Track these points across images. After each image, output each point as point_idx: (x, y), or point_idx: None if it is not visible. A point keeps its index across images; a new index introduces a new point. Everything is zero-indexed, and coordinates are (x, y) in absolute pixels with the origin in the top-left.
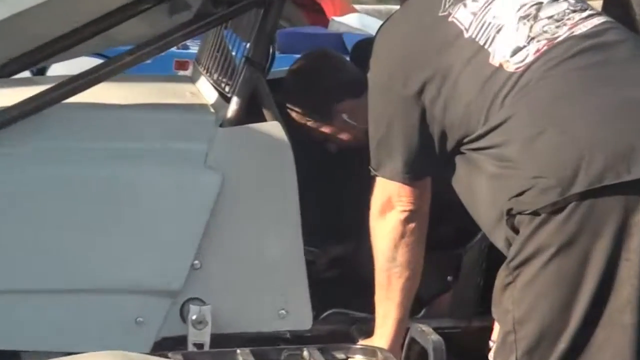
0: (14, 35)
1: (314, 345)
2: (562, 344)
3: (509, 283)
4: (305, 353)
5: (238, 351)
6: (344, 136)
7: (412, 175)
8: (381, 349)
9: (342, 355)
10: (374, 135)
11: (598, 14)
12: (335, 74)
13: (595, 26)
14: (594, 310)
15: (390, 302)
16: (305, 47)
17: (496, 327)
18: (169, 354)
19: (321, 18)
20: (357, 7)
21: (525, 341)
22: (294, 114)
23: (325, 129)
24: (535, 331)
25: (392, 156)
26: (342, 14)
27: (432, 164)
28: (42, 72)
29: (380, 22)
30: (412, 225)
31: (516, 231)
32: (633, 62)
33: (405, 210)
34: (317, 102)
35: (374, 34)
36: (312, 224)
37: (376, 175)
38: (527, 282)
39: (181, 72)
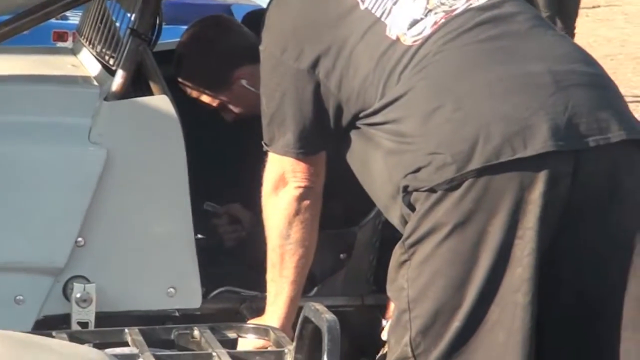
0: None
1: (204, 324)
2: (457, 323)
3: (405, 261)
4: (196, 332)
5: (126, 330)
6: (242, 104)
7: (305, 150)
8: (273, 328)
9: (234, 335)
10: (266, 110)
11: None
12: (233, 38)
13: None
14: (488, 288)
15: (283, 279)
16: (193, 18)
17: (390, 306)
18: (54, 333)
19: None
20: None
21: (419, 320)
22: (188, 85)
23: (223, 97)
24: (429, 310)
25: (284, 131)
26: None
27: (326, 139)
28: None
29: None
30: (306, 202)
31: (412, 208)
32: (530, 35)
33: (299, 187)
34: (215, 68)
35: (262, 5)
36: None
37: (269, 151)
38: (423, 260)
39: (60, 44)
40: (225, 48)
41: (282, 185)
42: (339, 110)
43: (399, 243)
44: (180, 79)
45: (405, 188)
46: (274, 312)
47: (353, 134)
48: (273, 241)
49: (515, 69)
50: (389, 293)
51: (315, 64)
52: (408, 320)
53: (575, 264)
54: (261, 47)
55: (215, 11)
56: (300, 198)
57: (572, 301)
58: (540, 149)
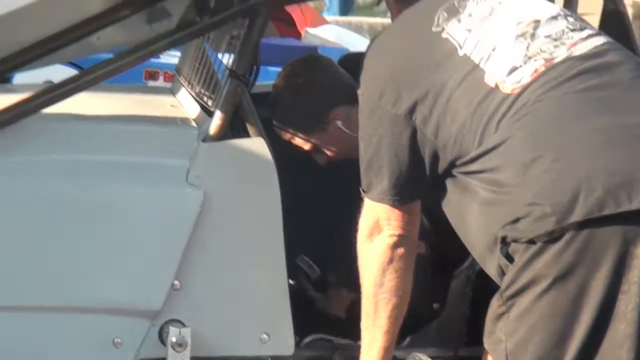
0: None
1: None
2: None
3: (502, 313)
4: None
5: None
6: (336, 146)
7: (401, 197)
8: None
9: None
10: (364, 155)
11: (597, 33)
12: (330, 78)
13: (595, 47)
14: (589, 344)
15: (376, 329)
16: (281, 60)
17: (485, 358)
18: None
19: (291, 29)
20: (327, 18)
21: None
22: (283, 127)
23: (318, 139)
24: None
25: (381, 177)
26: (312, 25)
27: (422, 186)
28: (6, 82)
29: (353, 35)
30: (400, 250)
31: (510, 259)
32: (633, 85)
33: (393, 235)
34: (311, 108)
35: (349, 48)
36: (304, 238)
37: (365, 197)
38: (521, 313)
39: (151, 82)
40: (322, 88)
41: (377, 232)
42: (435, 157)
43: (497, 295)
44: (275, 121)
45: (504, 239)
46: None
47: (449, 183)
48: (367, 289)
49: (617, 120)
50: (487, 345)
51: (412, 110)
52: None
53: None
54: (359, 92)
55: (302, 53)
56: (395, 246)
57: None
58: None
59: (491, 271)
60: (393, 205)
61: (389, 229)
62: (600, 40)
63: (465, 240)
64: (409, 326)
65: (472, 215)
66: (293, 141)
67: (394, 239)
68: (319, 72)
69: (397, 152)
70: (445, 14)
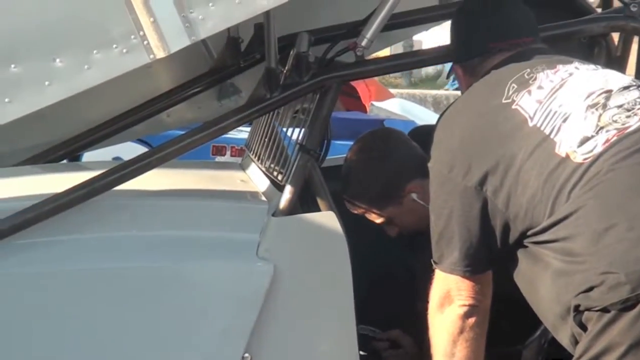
0: (63, 119)
1: None
2: None
3: None
4: None
5: None
6: (411, 218)
7: (472, 268)
8: None
9: None
10: (434, 228)
11: None
12: (404, 151)
13: None
14: None
15: None
16: (349, 133)
17: None
18: None
19: (357, 103)
20: (392, 91)
21: None
22: (356, 201)
23: (392, 211)
24: None
25: (452, 249)
26: (377, 99)
27: (493, 257)
28: (75, 159)
29: (418, 107)
30: (471, 320)
31: (584, 328)
32: None
33: (464, 305)
34: (387, 181)
35: (415, 120)
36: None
37: (436, 269)
38: None
39: (218, 158)
40: (397, 161)
41: (448, 303)
42: (506, 228)
43: None
44: (347, 196)
45: (577, 307)
46: None
47: (520, 253)
48: (438, 356)
49: None
50: None
51: (483, 181)
52: None
53: None
54: (430, 164)
55: (369, 125)
56: (466, 316)
57: None
58: None
59: (564, 340)
60: (464, 276)
61: (459, 300)
62: None
63: (537, 310)
64: None
65: (544, 284)
66: (366, 215)
67: (465, 309)
68: (392, 146)
69: (467, 224)
70: (515, 86)
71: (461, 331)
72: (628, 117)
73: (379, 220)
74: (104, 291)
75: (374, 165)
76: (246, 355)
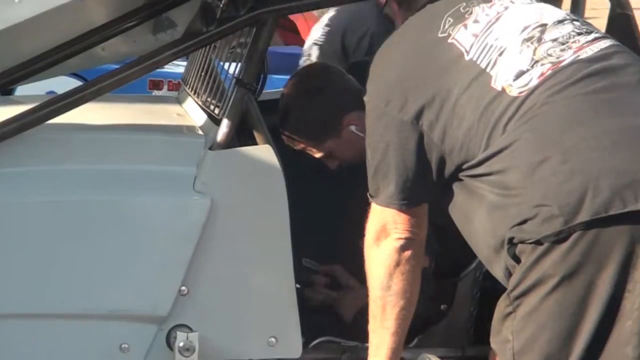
0: None
1: None
2: None
3: (509, 313)
4: None
5: None
6: (350, 150)
7: (408, 201)
8: None
9: None
10: (371, 162)
11: (603, 37)
12: (341, 84)
13: (601, 50)
14: (596, 343)
15: (384, 331)
16: (287, 67)
17: (492, 358)
18: None
19: (296, 38)
20: None
21: None
22: (294, 136)
23: (332, 145)
24: None
25: (388, 182)
26: None
27: (429, 190)
28: (8, 93)
29: None
30: (407, 253)
31: (517, 260)
32: (636, 89)
33: (400, 238)
34: (325, 115)
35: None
36: (311, 244)
37: (372, 202)
38: (528, 312)
39: (155, 92)
40: (334, 94)
41: (384, 236)
42: (442, 161)
43: (504, 295)
44: (286, 131)
45: (511, 240)
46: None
47: (455, 186)
48: (374, 292)
49: (624, 122)
50: (493, 345)
51: (419, 115)
52: None
53: None
54: (366, 99)
55: None
56: (402, 249)
57: None
58: None
59: (498, 273)
60: (400, 210)
61: (396, 233)
62: (607, 43)
63: (471, 243)
64: (417, 327)
65: (479, 218)
66: (305, 149)
67: (401, 242)
68: (329, 79)
69: (403, 158)
70: (452, 20)
71: (397, 264)
72: (562, 50)
73: (318, 154)
74: (36, 225)
75: (311, 99)
76: (183, 288)
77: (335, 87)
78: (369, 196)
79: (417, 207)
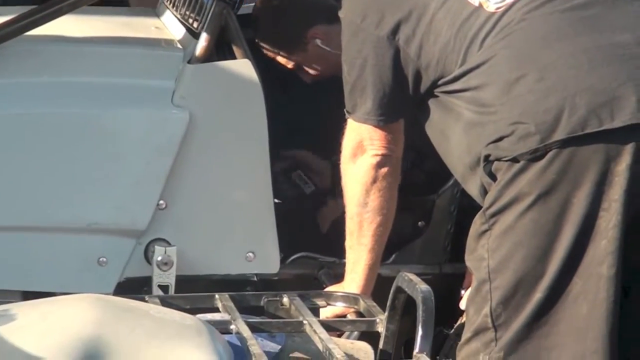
0: None
1: (293, 291)
2: (538, 294)
3: (485, 231)
4: (286, 299)
5: (217, 296)
6: (317, 64)
7: (385, 117)
8: (363, 297)
9: (323, 302)
10: (347, 78)
11: None
12: None
13: None
14: (571, 260)
15: (361, 247)
16: None
17: (468, 275)
18: (146, 297)
19: None
20: None
21: (500, 290)
22: (265, 46)
23: (298, 57)
24: (511, 280)
25: (364, 98)
26: None
27: (405, 106)
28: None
29: None
30: (384, 170)
31: (493, 178)
32: (616, 5)
33: (377, 155)
34: (289, 27)
35: None
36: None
37: (349, 119)
38: (504, 230)
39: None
40: (300, 7)
41: (360, 153)
42: (418, 77)
43: (480, 213)
44: (257, 40)
45: (487, 157)
46: (353, 279)
47: (432, 103)
48: (351, 209)
49: (601, 39)
50: (468, 263)
51: (395, 31)
52: (488, 290)
53: None
54: (341, 14)
55: None
56: (378, 166)
57: None
58: (628, 121)
59: (473, 192)
60: (377, 126)
61: (372, 149)
62: None
63: (447, 161)
64: (394, 244)
65: (455, 135)
66: (276, 60)
67: (378, 158)
68: None
69: (380, 73)
70: None
71: (374, 181)
72: None
73: (289, 65)
74: (12, 137)
75: (277, 11)
76: (161, 202)
77: (301, 0)
78: (345, 112)
79: (393, 123)
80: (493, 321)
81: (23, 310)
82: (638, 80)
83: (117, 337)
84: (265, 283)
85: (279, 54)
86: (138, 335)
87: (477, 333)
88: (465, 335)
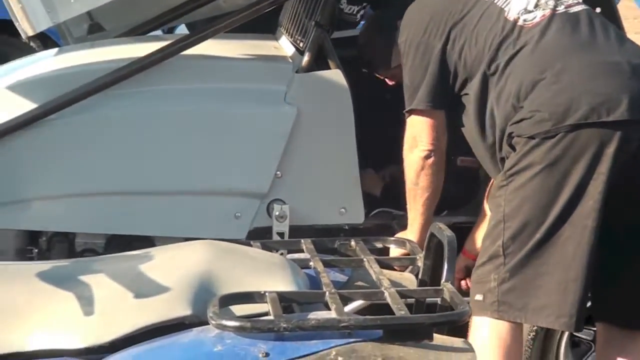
0: (148, 3)
1: (359, 237)
2: (538, 235)
3: (503, 185)
4: (353, 243)
5: (302, 241)
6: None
7: (432, 104)
8: (409, 240)
9: (380, 245)
10: (409, 84)
11: (582, 4)
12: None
13: (583, 9)
14: (565, 213)
15: (415, 211)
16: None
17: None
18: (251, 242)
19: None
20: None
21: (510, 230)
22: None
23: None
24: (519, 224)
25: (419, 91)
26: None
27: (448, 96)
28: (171, 30)
29: None
30: (430, 160)
31: (513, 149)
32: (607, 35)
33: (425, 150)
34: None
35: None
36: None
37: (407, 116)
38: (518, 187)
39: None
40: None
41: (414, 146)
42: (458, 73)
43: (501, 173)
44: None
45: (510, 134)
46: (412, 231)
47: (467, 94)
48: (408, 185)
49: (601, 58)
50: (489, 205)
51: (447, 40)
52: (502, 229)
53: (629, 201)
54: (401, 40)
55: None
56: (426, 158)
57: (619, 224)
58: (620, 117)
59: (489, 166)
60: (427, 113)
61: (422, 145)
62: (585, 6)
63: (472, 142)
64: (448, 203)
65: (479, 120)
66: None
67: (426, 152)
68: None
69: (434, 72)
70: None
71: (422, 168)
72: (557, 3)
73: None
74: (175, 127)
75: (372, 36)
76: (278, 172)
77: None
78: (405, 114)
79: (439, 115)
80: (504, 251)
81: (158, 252)
82: (628, 88)
83: (223, 272)
84: (354, 231)
85: (376, 70)
86: (238, 270)
87: (490, 258)
88: (481, 259)
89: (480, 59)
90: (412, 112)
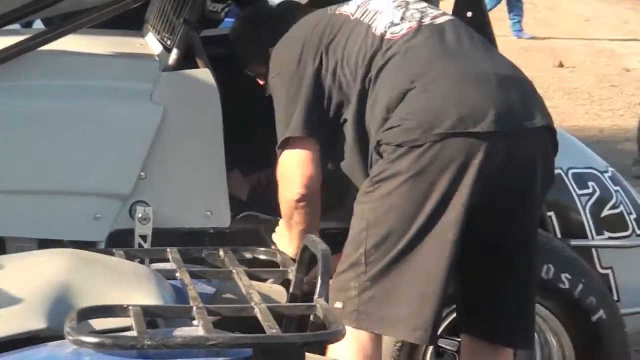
0: None
1: (228, 247)
2: (400, 245)
3: (369, 192)
4: (221, 253)
5: (168, 250)
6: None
7: (308, 131)
8: (281, 252)
9: (250, 256)
10: (284, 117)
11: (448, 14)
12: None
13: (449, 20)
14: (429, 225)
15: (291, 238)
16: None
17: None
18: (114, 250)
19: None
20: None
21: (374, 238)
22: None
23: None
24: (383, 232)
25: (293, 119)
26: None
27: (325, 125)
28: (29, 25)
29: None
30: (302, 204)
31: (381, 156)
32: (474, 45)
33: (298, 193)
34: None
35: None
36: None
37: (279, 153)
38: (384, 195)
39: None
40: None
41: (286, 187)
42: (333, 95)
43: (368, 179)
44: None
45: (379, 142)
46: (292, 245)
47: (347, 119)
48: (283, 217)
49: (469, 68)
50: (354, 210)
51: (320, 65)
52: (365, 236)
53: (494, 214)
54: (273, 76)
55: None
56: (298, 202)
57: (484, 237)
58: (486, 128)
59: (357, 178)
60: (302, 136)
61: (295, 187)
62: (451, 17)
63: (352, 175)
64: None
65: (352, 129)
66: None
67: (298, 196)
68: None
69: (308, 98)
70: (334, 6)
71: (296, 208)
72: (422, 16)
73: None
74: (31, 124)
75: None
76: (142, 174)
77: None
78: (277, 151)
79: (313, 145)
80: (366, 259)
81: (11, 260)
82: (495, 100)
83: (83, 283)
84: (220, 235)
85: (248, 67)
86: (100, 281)
87: (352, 266)
88: (343, 266)
89: (355, 76)
90: (285, 146)
